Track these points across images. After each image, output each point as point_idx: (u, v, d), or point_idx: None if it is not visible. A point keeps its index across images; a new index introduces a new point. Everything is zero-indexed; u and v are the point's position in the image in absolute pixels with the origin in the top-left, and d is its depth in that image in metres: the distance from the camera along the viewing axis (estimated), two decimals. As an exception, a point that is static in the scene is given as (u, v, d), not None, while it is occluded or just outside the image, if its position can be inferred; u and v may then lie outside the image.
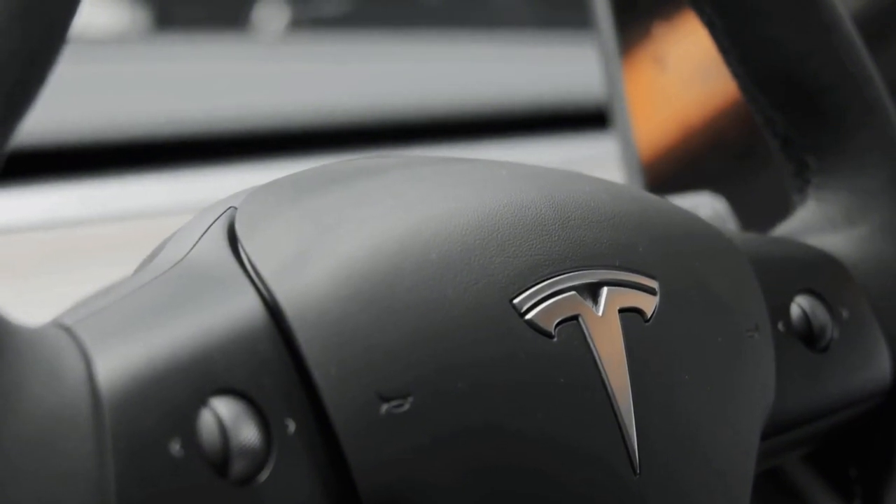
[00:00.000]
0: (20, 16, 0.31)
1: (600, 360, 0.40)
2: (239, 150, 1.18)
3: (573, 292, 0.40)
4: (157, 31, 1.76)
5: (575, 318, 0.40)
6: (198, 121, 1.25)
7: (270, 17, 1.74)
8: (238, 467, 0.34)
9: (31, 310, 0.40)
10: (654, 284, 0.42)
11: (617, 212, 0.43)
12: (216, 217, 0.40)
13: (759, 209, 0.67)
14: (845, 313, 0.49)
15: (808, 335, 0.48)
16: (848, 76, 0.51)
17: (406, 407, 0.36)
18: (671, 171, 0.92)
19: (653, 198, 0.46)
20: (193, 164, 1.14)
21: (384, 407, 0.36)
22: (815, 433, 0.49)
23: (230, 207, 0.41)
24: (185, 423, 0.33)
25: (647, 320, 0.41)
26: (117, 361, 0.33)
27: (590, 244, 0.41)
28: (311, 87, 1.40)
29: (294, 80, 1.42)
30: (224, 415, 0.34)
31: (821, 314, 0.49)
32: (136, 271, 0.41)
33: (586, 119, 1.29)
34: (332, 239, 0.38)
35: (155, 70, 1.35)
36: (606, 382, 0.40)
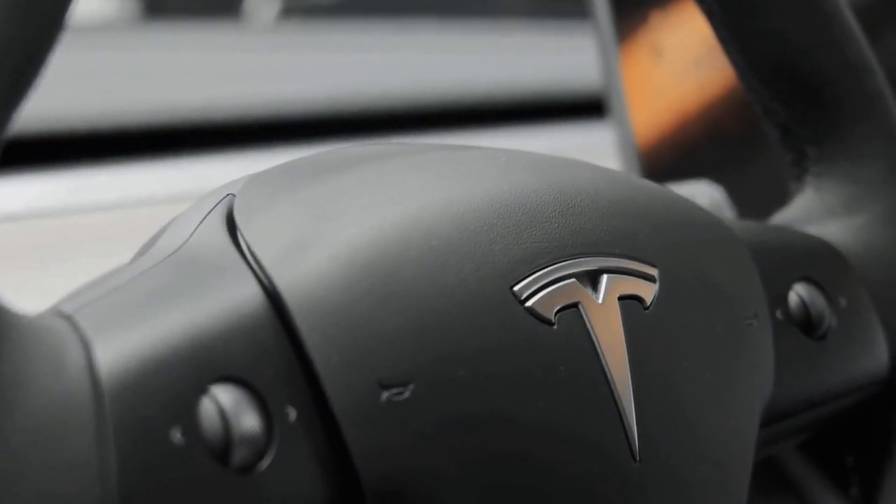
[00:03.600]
0: (18, 3, 0.31)
1: (600, 347, 0.40)
2: (230, 139, 1.18)
3: (573, 280, 0.40)
4: (147, 20, 1.75)
5: (575, 305, 0.40)
6: (188, 109, 1.24)
7: (262, 5, 1.74)
8: (239, 455, 0.34)
9: (23, 299, 0.39)
10: (653, 272, 0.42)
11: (617, 199, 0.43)
12: (214, 204, 0.40)
13: (756, 197, 0.67)
14: (843, 302, 0.49)
15: (807, 323, 0.48)
16: (848, 67, 0.51)
17: (407, 395, 0.36)
18: (668, 159, 0.92)
19: (652, 186, 0.46)
20: (184, 153, 1.13)
21: (385, 395, 0.36)
22: (812, 421, 0.49)
23: (228, 195, 0.40)
24: (186, 412, 0.33)
25: (647, 308, 0.41)
26: (118, 350, 0.33)
27: (590, 232, 0.41)
28: (303, 75, 1.40)
29: (286, 68, 1.41)
30: (225, 403, 0.34)
31: (819, 302, 0.49)
32: (134, 259, 0.41)
33: (583, 108, 1.29)
34: (331, 226, 0.38)
35: (145, 58, 1.34)
36: (606, 370, 0.40)
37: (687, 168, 0.87)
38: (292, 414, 0.35)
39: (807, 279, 0.49)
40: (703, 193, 0.64)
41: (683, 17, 0.90)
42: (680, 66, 0.91)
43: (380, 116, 1.32)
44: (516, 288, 0.39)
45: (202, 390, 0.34)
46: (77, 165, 1.05)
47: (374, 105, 1.35)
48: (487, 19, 1.80)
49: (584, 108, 1.28)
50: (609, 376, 0.40)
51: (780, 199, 0.55)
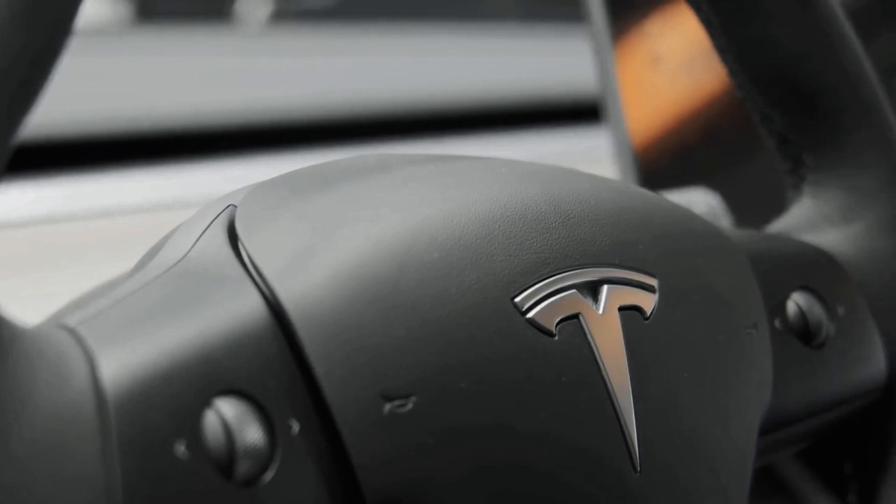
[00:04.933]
0: (24, 15, 0.31)
1: (601, 358, 0.40)
2: (223, 145, 1.18)
3: (574, 290, 0.40)
4: (138, 24, 1.75)
5: (576, 316, 0.40)
6: (180, 115, 1.24)
7: (253, 8, 1.73)
8: (243, 468, 0.34)
9: (20, 306, 0.39)
10: (653, 282, 0.42)
11: (616, 210, 0.43)
12: (216, 215, 0.40)
13: (752, 202, 0.67)
14: (841, 310, 0.50)
15: (805, 332, 0.48)
16: (845, 75, 0.52)
17: (409, 407, 0.36)
18: (664, 164, 0.92)
19: (652, 195, 0.46)
20: (176, 159, 1.13)
21: (387, 407, 0.36)
22: (811, 429, 0.49)
23: (229, 205, 0.40)
24: (190, 425, 0.33)
25: (647, 318, 0.42)
26: (122, 363, 0.33)
27: (590, 242, 0.41)
28: (294, 79, 1.40)
29: (277, 72, 1.41)
30: (228, 416, 0.34)
31: (817, 311, 0.49)
32: (135, 269, 0.41)
33: (579, 112, 1.29)
34: (333, 238, 0.38)
35: (137, 62, 1.34)
36: (607, 381, 0.40)
37: (683, 173, 0.87)
38: (295, 426, 0.35)
39: (805, 288, 0.49)
40: (699, 201, 0.64)
41: (679, 22, 0.90)
42: (676, 70, 0.91)
43: (371, 121, 1.32)
44: (517, 299, 0.39)
45: (206, 403, 0.34)
46: (68, 172, 1.05)
47: (366, 110, 1.34)
48: (482, 23, 1.80)
49: (580, 112, 1.28)
50: (610, 387, 0.40)
51: (777, 204, 0.55)
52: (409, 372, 0.36)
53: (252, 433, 0.34)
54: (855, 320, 0.50)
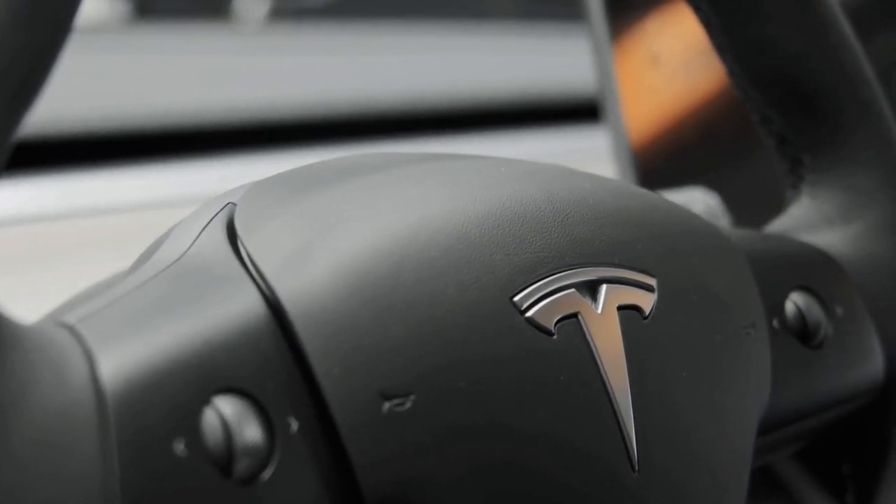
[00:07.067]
0: (24, 13, 0.31)
1: (599, 357, 0.40)
2: (220, 143, 1.18)
3: (573, 290, 0.40)
4: (136, 21, 1.74)
5: (574, 315, 0.40)
6: (177, 113, 1.24)
7: (251, 6, 1.73)
8: (242, 467, 0.34)
9: (16, 303, 0.39)
10: (652, 282, 0.42)
11: (616, 209, 0.43)
12: (215, 213, 0.40)
13: (749, 200, 0.67)
14: (839, 310, 0.50)
15: (803, 332, 0.48)
16: (844, 76, 0.52)
17: (408, 405, 0.36)
18: (662, 162, 0.92)
19: (651, 195, 0.46)
20: (173, 157, 1.13)
21: (386, 405, 0.36)
22: (809, 429, 0.49)
23: (228, 203, 0.40)
24: (189, 423, 0.33)
25: (646, 318, 0.42)
26: (121, 362, 0.33)
27: (589, 241, 0.41)
28: (293, 78, 1.40)
29: (274, 71, 1.41)
30: (227, 414, 0.34)
31: (815, 311, 0.49)
32: (133, 267, 0.41)
33: (577, 112, 1.29)
34: (332, 236, 0.38)
35: (135, 61, 1.34)
36: (605, 380, 0.40)
37: (682, 172, 0.87)
38: (294, 425, 0.35)
39: (803, 288, 0.49)
40: (698, 200, 0.64)
41: (678, 21, 0.90)
42: (675, 70, 0.91)
43: (370, 120, 1.32)
44: (516, 298, 0.39)
45: (205, 402, 0.34)
46: (65, 170, 1.05)
47: (365, 108, 1.34)
48: (480, 22, 1.80)
49: (579, 112, 1.28)
50: (608, 386, 0.40)
51: (776, 204, 0.55)
52: (407, 371, 0.36)
53: (251, 431, 0.34)
54: (853, 321, 0.50)
